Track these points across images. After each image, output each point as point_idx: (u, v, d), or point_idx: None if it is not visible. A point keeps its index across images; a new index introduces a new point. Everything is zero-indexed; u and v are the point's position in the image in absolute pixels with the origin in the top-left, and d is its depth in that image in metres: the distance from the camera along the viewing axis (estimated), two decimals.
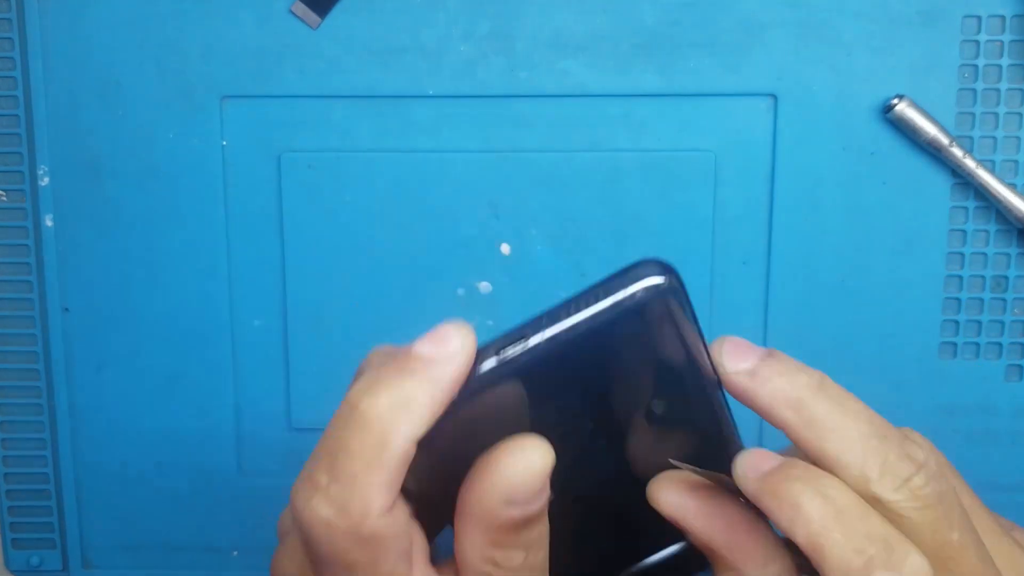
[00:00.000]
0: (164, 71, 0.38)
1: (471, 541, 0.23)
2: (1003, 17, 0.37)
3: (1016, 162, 0.38)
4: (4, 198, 0.39)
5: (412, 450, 0.22)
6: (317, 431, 0.39)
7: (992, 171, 0.37)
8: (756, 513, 0.23)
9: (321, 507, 0.22)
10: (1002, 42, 0.37)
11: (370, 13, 0.37)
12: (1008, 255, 0.38)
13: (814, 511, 0.22)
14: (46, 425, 0.40)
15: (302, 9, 0.37)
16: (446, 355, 0.22)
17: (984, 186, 0.37)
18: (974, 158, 0.37)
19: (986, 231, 0.38)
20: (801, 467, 0.23)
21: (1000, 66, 0.37)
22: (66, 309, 0.39)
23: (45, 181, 0.39)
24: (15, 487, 0.41)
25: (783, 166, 0.38)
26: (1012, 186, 0.37)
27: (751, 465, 0.23)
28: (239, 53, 0.38)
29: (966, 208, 0.38)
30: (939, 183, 0.38)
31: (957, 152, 0.37)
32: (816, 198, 0.38)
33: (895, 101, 0.37)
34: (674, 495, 0.24)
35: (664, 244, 0.38)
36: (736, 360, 0.23)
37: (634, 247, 0.39)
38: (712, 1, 0.37)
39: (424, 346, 0.22)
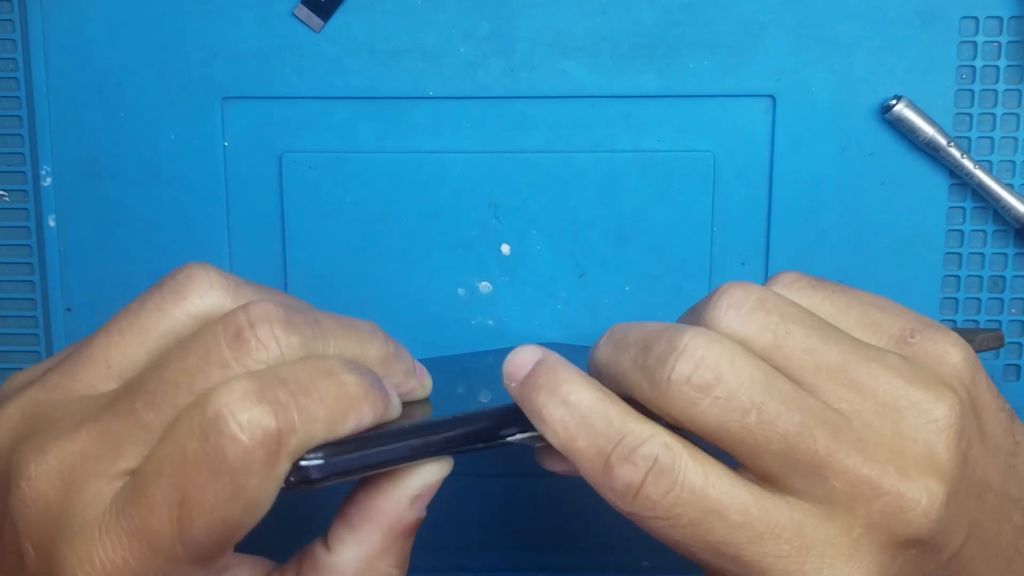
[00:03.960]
0: (166, 72, 0.38)
1: (360, 553, 0.25)
2: (1000, 18, 0.37)
3: (1014, 162, 0.38)
4: (7, 199, 0.39)
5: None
6: None
7: (990, 172, 0.38)
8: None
9: (268, 417, 0.21)
10: (999, 43, 0.37)
11: (371, 15, 0.38)
12: (1005, 255, 0.39)
13: (557, 423, 0.23)
14: None
15: (305, 13, 0.37)
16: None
17: (982, 186, 0.37)
18: (972, 159, 0.37)
19: (984, 231, 0.39)
20: (545, 371, 0.23)
21: (998, 67, 0.37)
22: (68, 309, 0.40)
23: (47, 182, 0.39)
24: None
25: (781, 167, 0.38)
26: (1010, 187, 0.38)
27: (510, 374, 0.24)
28: (240, 54, 0.38)
29: (964, 208, 0.38)
30: (937, 183, 0.38)
31: (955, 152, 0.37)
32: (814, 198, 0.38)
33: (893, 102, 0.37)
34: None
35: (663, 244, 0.39)
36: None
37: (634, 247, 0.39)
38: (711, 2, 0.37)
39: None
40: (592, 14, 0.38)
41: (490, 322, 0.39)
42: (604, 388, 0.24)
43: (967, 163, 0.37)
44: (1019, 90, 0.38)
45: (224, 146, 0.39)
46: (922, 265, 0.39)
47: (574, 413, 0.23)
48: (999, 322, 0.39)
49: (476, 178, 0.39)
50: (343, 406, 0.22)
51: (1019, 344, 0.39)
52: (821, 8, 0.37)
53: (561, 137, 0.38)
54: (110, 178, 0.39)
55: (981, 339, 0.35)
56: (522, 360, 0.24)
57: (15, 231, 0.39)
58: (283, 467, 0.21)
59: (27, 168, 0.39)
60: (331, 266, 0.39)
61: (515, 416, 0.25)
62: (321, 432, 0.22)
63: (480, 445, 0.25)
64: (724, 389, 0.22)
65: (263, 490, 0.21)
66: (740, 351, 0.23)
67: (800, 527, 0.22)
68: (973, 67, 0.38)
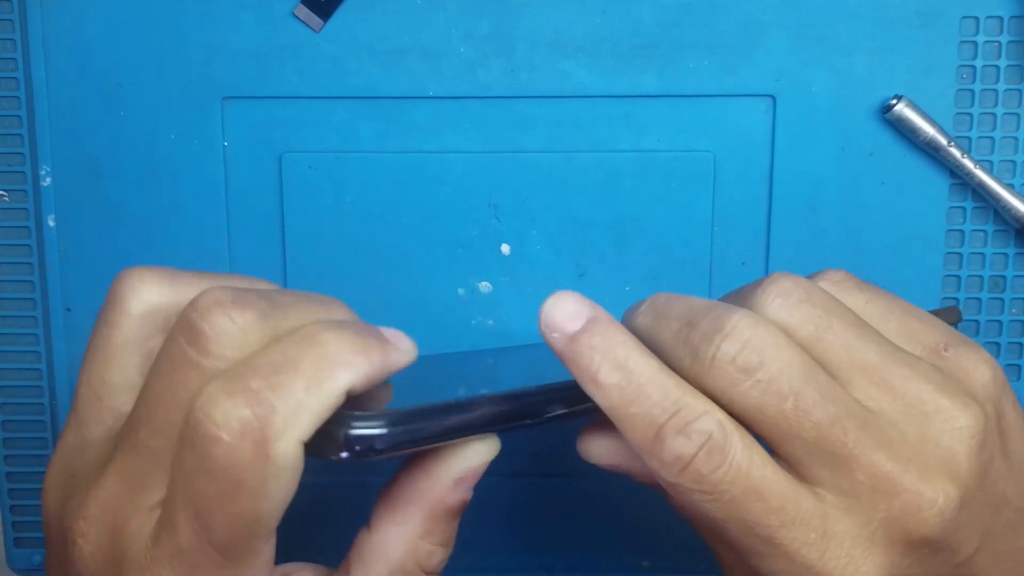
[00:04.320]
0: (165, 72, 0.38)
1: (402, 532, 0.24)
2: (1001, 18, 0.37)
3: (1014, 162, 0.38)
4: (6, 199, 0.39)
5: (342, 399, 0.22)
6: None
7: (990, 171, 0.38)
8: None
9: (242, 408, 0.21)
10: (1000, 43, 0.37)
11: (370, 14, 0.38)
12: (1006, 255, 0.39)
13: (612, 388, 0.23)
14: (48, 425, 0.40)
15: (305, 13, 0.37)
16: (404, 348, 0.24)
17: (982, 186, 0.37)
18: (972, 158, 0.37)
19: (984, 231, 0.39)
20: (600, 332, 0.23)
21: (998, 67, 0.37)
22: (68, 309, 0.40)
23: (47, 182, 0.39)
24: (17, 486, 0.41)
25: (782, 167, 0.38)
26: (1010, 186, 0.38)
27: (552, 324, 0.24)
28: (240, 54, 0.38)
29: (964, 208, 0.38)
30: (937, 183, 0.38)
31: (955, 152, 0.37)
32: (814, 198, 0.38)
33: (893, 102, 0.37)
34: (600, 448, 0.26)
35: (663, 244, 0.39)
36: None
37: (634, 247, 0.39)
38: (711, 2, 0.37)
39: (387, 332, 0.24)
40: (592, 14, 0.38)
41: (490, 322, 0.39)
42: (657, 357, 0.24)
43: (967, 163, 0.37)
44: (1019, 90, 0.38)
45: (224, 146, 0.39)
46: (922, 265, 0.39)
47: (631, 379, 0.23)
48: (999, 322, 0.39)
49: (476, 178, 0.39)
50: (325, 365, 0.22)
51: (1019, 344, 0.39)
52: (821, 8, 0.37)
53: (561, 137, 0.38)
54: (110, 178, 0.39)
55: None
56: (569, 310, 0.24)
57: (15, 231, 0.39)
58: (281, 449, 0.21)
59: (27, 168, 0.39)
60: (331, 266, 0.39)
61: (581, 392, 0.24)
62: (309, 401, 0.21)
63: (528, 421, 0.24)
64: (766, 373, 0.23)
65: (266, 476, 0.21)
66: (784, 338, 0.23)
67: (825, 516, 0.23)
68: (973, 67, 0.37)
